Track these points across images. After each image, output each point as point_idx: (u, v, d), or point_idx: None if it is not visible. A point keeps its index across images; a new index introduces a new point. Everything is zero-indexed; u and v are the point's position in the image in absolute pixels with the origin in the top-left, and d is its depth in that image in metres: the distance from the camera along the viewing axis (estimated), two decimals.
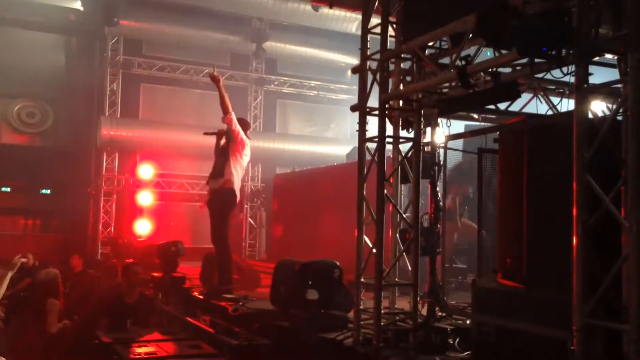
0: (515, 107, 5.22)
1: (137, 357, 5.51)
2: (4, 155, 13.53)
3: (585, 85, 3.44)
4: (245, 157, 7.47)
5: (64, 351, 7.26)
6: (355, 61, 13.33)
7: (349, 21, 13.56)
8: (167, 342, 6.17)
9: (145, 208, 13.14)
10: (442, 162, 5.55)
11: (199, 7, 13.47)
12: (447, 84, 4.92)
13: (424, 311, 5.30)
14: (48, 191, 14.68)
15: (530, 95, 5.37)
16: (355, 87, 11.10)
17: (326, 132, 15.73)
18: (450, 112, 4.57)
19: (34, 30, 13.70)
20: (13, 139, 14.21)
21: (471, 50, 4.60)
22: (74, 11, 13.89)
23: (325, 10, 13.13)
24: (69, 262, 9.89)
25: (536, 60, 3.65)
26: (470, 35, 4.13)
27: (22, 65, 13.27)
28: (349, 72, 15.69)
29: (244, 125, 7.67)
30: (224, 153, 7.39)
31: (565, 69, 3.65)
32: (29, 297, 7.70)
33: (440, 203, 5.61)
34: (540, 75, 4.63)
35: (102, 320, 6.95)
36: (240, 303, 6.75)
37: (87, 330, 7.05)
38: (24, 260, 6.57)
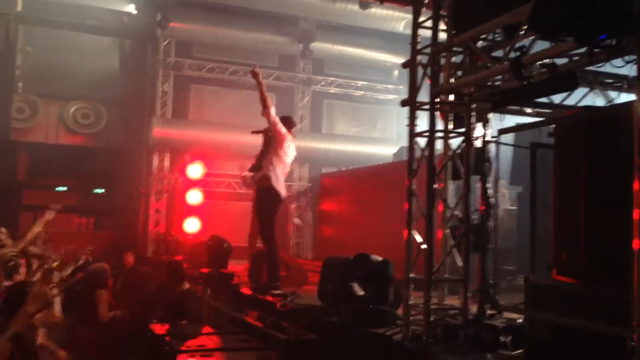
0: (571, 102, 5.10)
1: (187, 348, 5.60)
2: (61, 155, 13.99)
3: None
4: (287, 154, 7.44)
5: (116, 342, 7.46)
6: (401, 60, 13.26)
7: (397, 20, 13.48)
8: (216, 336, 6.26)
9: (194, 206, 13.35)
10: (493, 158, 5.47)
11: (246, 9, 13.64)
12: (499, 78, 4.84)
13: (474, 309, 5.23)
14: (101, 190, 15.08)
15: (587, 90, 5.24)
16: (402, 87, 11.05)
17: (372, 132, 15.68)
18: (503, 104, 4.49)
19: (89, 33, 14.12)
20: (69, 140, 14.65)
21: (525, 42, 4.51)
22: (127, 14, 14.27)
23: (372, 9, 13.12)
24: (122, 259, 10.15)
25: (595, 50, 3.55)
26: (525, 27, 4.06)
27: (78, 68, 13.68)
28: (396, 72, 15.66)
29: (289, 123, 7.69)
30: (265, 149, 7.46)
31: (626, 58, 3.53)
32: (80, 291, 7.93)
33: (491, 199, 5.53)
34: (598, 67, 4.52)
35: (154, 314, 7.10)
36: (288, 299, 6.79)
37: (139, 323, 7.22)
38: (87, 252, 6.79)
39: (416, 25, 5.25)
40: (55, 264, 6.53)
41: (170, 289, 7.35)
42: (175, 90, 14.03)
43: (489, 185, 5.50)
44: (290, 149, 7.45)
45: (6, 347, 3.41)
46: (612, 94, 5.18)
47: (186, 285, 7.18)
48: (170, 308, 7.07)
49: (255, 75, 7.18)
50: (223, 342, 5.94)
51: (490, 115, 5.41)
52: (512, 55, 4.14)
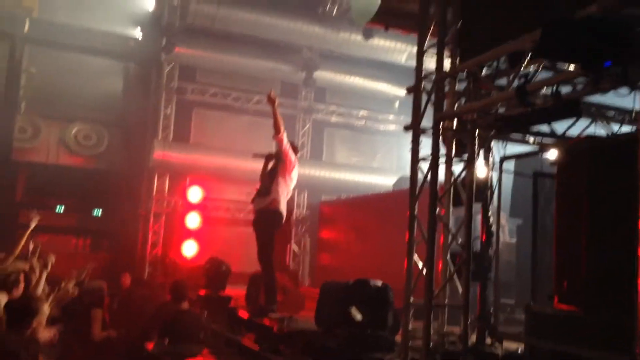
0: (573, 133, 5.15)
1: None
2: (60, 176, 13.98)
3: None
4: (293, 179, 7.49)
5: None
6: (403, 92, 13.38)
7: (399, 52, 13.66)
8: (213, 356, 6.20)
9: (193, 230, 13.32)
10: (495, 185, 5.50)
11: (251, 36, 13.80)
12: (503, 106, 4.90)
13: (474, 337, 5.19)
14: (100, 212, 15.03)
15: (589, 121, 5.29)
16: (403, 117, 11.11)
17: (372, 162, 15.75)
18: (507, 131, 4.54)
19: (95, 56, 14.26)
20: (69, 161, 14.67)
21: (528, 71, 4.57)
22: (133, 39, 14.44)
23: (375, 41, 13.29)
24: (119, 280, 10.09)
25: (599, 78, 3.60)
26: (529, 55, 4.13)
27: (81, 90, 13.78)
28: (397, 102, 15.80)
29: (294, 149, 7.73)
30: (272, 173, 7.45)
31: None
32: (76, 308, 7.86)
33: (493, 227, 5.54)
34: (599, 100, 4.58)
35: (151, 334, 7.02)
36: (285, 323, 6.74)
37: (136, 343, 7.14)
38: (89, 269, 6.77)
39: (421, 51, 5.33)
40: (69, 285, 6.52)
41: (169, 308, 7.29)
42: (177, 114, 14.12)
43: (490, 213, 5.52)
44: (295, 175, 7.49)
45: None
46: (615, 126, 5.24)
47: (185, 305, 7.12)
48: (166, 326, 6.99)
49: (271, 100, 7.25)
50: None
51: (493, 144, 5.46)
52: (516, 83, 4.20)
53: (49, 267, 5.86)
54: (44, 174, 14.13)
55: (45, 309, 4.69)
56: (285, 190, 7.37)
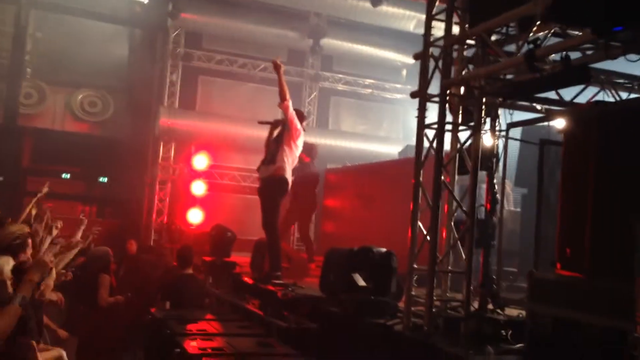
0: (581, 100, 5.10)
1: (188, 332, 5.61)
2: (66, 143, 14.00)
3: None
4: (298, 147, 7.49)
5: (117, 325, 7.48)
6: (411, 60, 13.31)
7: (407, 19, 13.48)
8: (217, 321, 6.28)
9: (198, 197, 13.37)
10: (501, 153, 5.47)
11: (258, 2, 13.65)
12: (511, 72, 4.85)
13: (476, 303, 5.23)
14: (105, 179, 15.08)
15: (597, 89, 5.23)
16: (410, 87, 11.06)
17: (378, 130, 15.68)
18: (515, 97, 4.50)
19: (100, 21, 14.15)
20: (75, 127, 14.67)
21: (539, 36, 4.51)
22: (139, 3, 14.29)
23: (383, 7, 13.11)
24: (125, 246, 10.19)
25: (610, 42, 3.55)
26: (539, 20, 4.07)
27: (87, 56, 13.67)
28: (404, 71, 15.66)
29: (300, 116, 7.71)
30: (278, 140, 7.44)
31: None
32: (82, 274, 7.96)
33: (498, 195, 5.53)
34: (609, 66, 4.52)
35: (156, 298, 7.12)
36: (290, 289, 6.81)
37: (142, 308, 7.24)
38: (96, 232, 6.81)
39: (430, 17, 5.25)
40: (60, 245, 6.56)
41: (172, 273, 7.38)
42: (183, 81, 14.05)
43: (495, 181, 5.50)
44: (301, 143, 7.48)
45: (17, 311, 3.50)
46: (623, 94, 5.18)
47: (189, 271, 7.20)
48: (168, 290, 7.08)
49: (277, 66, 7.24)
50: (223, 328, 5.96)
51: (500, 111, 5.41)
52: (525, 49, 4.15)
53: (54, 232, 5.91)
54: (50, 140, 14.17)
55: (53, 273, 4.74)
56: (291, 158, 7.38)
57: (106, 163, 14.01)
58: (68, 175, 14.73)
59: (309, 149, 9.42)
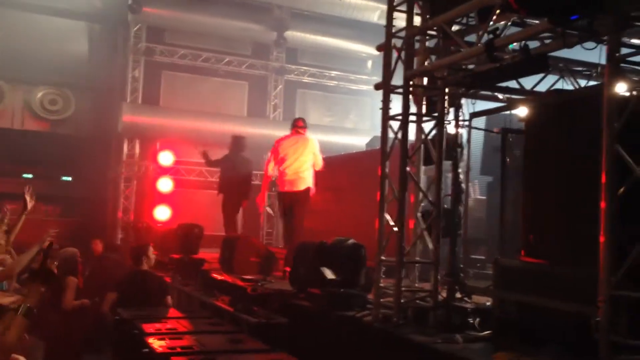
0: (542, 88, 5.17)
1: (156, 331, 5.53)
2: (27, 142, 13.70)
3: (618, 55, 3.38)
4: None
5: (83, 328, 7.35)
6: (375, 51, 13.33)
7: (371, 10, 13.50)
8: (186, 319, 6.20)
9: (165, 194, 13.21)
10: (465, 143, 5.52)
11: None
12: (473, 62, 4.88)
13: (444, 293, 5.28)
14: (69, 178, 14.80)
15: (557, 77, 5.31)
16: (376, 78, 11.13)
17: (346, 122, 15.71)
18: (476, 86, 4.54)
19: (58, 17, 13.83)
20: (35, 126, 14.36)
21: (498, 26, 4.54)
22: None
23: None
24: (90, 246, 10.01)
25: (567, 31, 3.60)
26: (498, 10, 4.10)
27: (45, 53, 13.40)
28: (370, 62, 15.69)
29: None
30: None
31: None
32: None
33: (462, 185, 5.57)
34: (568, 55, 4.59)
35: (112, 298, 6.98)
36: (259, 284, 6.78)
37: (108, 310, 7.11)
38: (53, 233, 6.66)
39: (391, 8, 5.25)
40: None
41: (136, 274, 7.26)
42: (146, 77, 13.83)
43: (460, 170, 5.55)
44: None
45: (23, 324, 3.37)
46: (582, 82, 5.27)
47: (144, 267, 7.08)
48: (121, 287, 6.94)
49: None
50: (193, 326, 5.88)
51: (463, 101, 5.45)
52: (486, 38, 4.18)
53: (13, 233, 5.77)
54: (10, 139, 13.82)
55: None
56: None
57: (69, 162, 13.75)
58: (30, 175, 14.41)
59: (236, 139, 10.51)
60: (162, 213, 12.88)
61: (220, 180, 10.47)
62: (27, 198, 6.02)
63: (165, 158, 13.28)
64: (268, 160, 9.12)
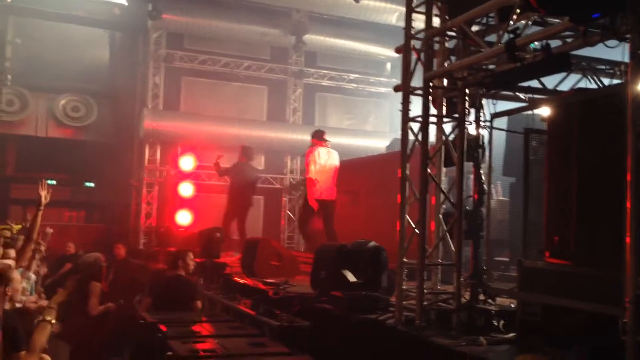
0: (564, 88, 5.11)
1: (179, 335, 5.57)
2: (50, 149, 13.92)
3: None
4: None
5: (107, 332, 7.42)
6: (394, 54, 13.28)
7: (389, 12, 13.46)
8: (209, 323, 6.23)
9: (186, 199, 13.29)
10: (486, 144, 5.47)
11: (238, 0, 13.60)
12: (493, 62, 4.85)
13: (467, 295, 5.23)
14: (92, 184, 15.00)
15: (580, 76, 5.25)
16: (395, 80, 11.14)
17: (365, 125, 15.67)
18: (497, 87, 4.49)
19: (80, 25, 14.02)
20: (59, 133, 14.56)
21: (518, 25, 4.50)
22: (118, 5, 14.17)
23: (364, 1, 13.09)
24: (112, 251, 10.12)
25: (588, 29, 3.55)
26: (518, 9, 4.07)
27: (68, 61, 13.58)
28: (389, 64, 15.65)
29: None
30: None
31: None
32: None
33: (485, 186, 5.53)
34: (590, 53, 4.53)
35: (148, 302, 7.04)
36: (281, 287, 6.79)
37: (132, 313, 7.17)
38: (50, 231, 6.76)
39: (410, 9, 5.24)
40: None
41: (161, 276, 7.32)
42: (166, 83, 13.95)
43: (482, 171, 5.50)
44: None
45: (49, 327, 3.45)
46: (605, 80, 5.19)
47: (180, 272, 7.13)
48: (155, 291, 7.00)
49: None
50: (216, 329, 5.91)
51: (484, 102, 5.41)
52: (506, 38, 4.14)
53: (39, 238, 5.87)
54: (34, 147, 14.06)
55: (16, 275, 4.69)
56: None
57: (92, 168, 13.93)
58: (54, 182, 14.59)
59: (245, 150, 11.11)
60: (183, 218, 12.95)
61: (230, 187, 11.17)
62: (42, 194, 6.10)
63: (186, 163, 13.37)
64: (308, 166, 9.57)
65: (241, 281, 7.54)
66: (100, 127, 14.54)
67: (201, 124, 13.50)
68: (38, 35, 13.81)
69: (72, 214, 15.89)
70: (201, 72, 14.22)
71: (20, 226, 7.63)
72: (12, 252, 6.30)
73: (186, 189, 13.26)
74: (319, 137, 9.81)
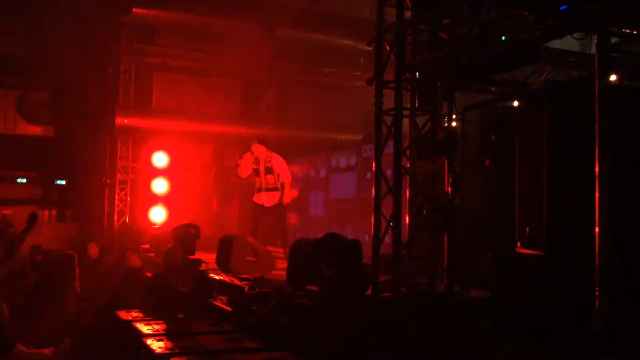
0: (534, 80, 5.17)
1: (155, 332, 5.52)
2: (20, 147, 13.64)
3: (608, 44, 3.38)
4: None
5: (82, 331, 7.31)
6: (366, 47, 13.29)
7: (362, 6, 13.45)
8: (185, 320, 6.19)
9: (160, 196, 13.13)
10: (459, 137, 5.51)
11: None
12: (464, 56, 4.87)
13: (442, 287, 5.28)
14: (63, 182, 14.76)
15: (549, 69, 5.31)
16: (368, 74, 11.14)
17: (340, 119, 15.68)
18: (468, 80, 4.52)
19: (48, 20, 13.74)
20: (28, 130, 14.28)
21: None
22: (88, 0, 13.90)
23: None
24: (86, 250, 9.97)
25: (555, 21, 3.59)
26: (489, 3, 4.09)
27: (36, 56, 13.33)
28: (362, 58, 15.64)
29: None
30: None
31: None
32: (46, 281, 7.76)
33: (458, 178, 5.57)
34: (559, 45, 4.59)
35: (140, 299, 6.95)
36: (257, 283, 6.75)
37: (107, 311, 7.09)
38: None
39: (382, 3, 5.24)
40: None
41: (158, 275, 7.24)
42: (137, 78, 13.74)
43: (455, 164, 5.54)
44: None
45: None
46: (575, 72, 5.27)
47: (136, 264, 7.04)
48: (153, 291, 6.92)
49: None
50: (191, 326, 5.88)
51: (456, 95, 5.44)
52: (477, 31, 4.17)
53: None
54: (2, 144, 13.76)
55: None
56: None
57: (63, 165, 13.71)
58: (24, 180, 14.37)
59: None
60: (157, 215, 12.79)
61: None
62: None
63: (160, 159, 13.19)
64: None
65: (217, 277, 7.49)
66: (70, 124, 14.28)
67: (174, 120, 13.34)
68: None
69: (44, 212, 15.61)
70: (173, 66, 14.04)
71: None
72: None
73: (160, 186, 13.09)
74: (264, 143, 9.60)
